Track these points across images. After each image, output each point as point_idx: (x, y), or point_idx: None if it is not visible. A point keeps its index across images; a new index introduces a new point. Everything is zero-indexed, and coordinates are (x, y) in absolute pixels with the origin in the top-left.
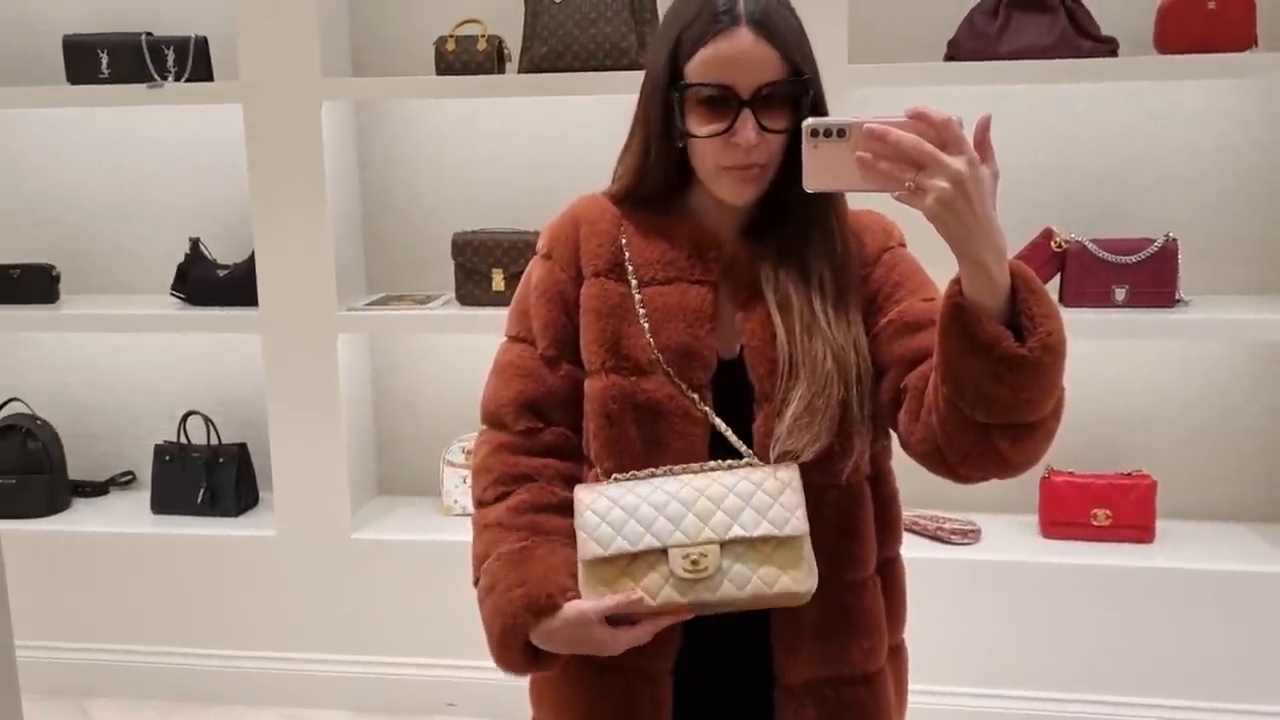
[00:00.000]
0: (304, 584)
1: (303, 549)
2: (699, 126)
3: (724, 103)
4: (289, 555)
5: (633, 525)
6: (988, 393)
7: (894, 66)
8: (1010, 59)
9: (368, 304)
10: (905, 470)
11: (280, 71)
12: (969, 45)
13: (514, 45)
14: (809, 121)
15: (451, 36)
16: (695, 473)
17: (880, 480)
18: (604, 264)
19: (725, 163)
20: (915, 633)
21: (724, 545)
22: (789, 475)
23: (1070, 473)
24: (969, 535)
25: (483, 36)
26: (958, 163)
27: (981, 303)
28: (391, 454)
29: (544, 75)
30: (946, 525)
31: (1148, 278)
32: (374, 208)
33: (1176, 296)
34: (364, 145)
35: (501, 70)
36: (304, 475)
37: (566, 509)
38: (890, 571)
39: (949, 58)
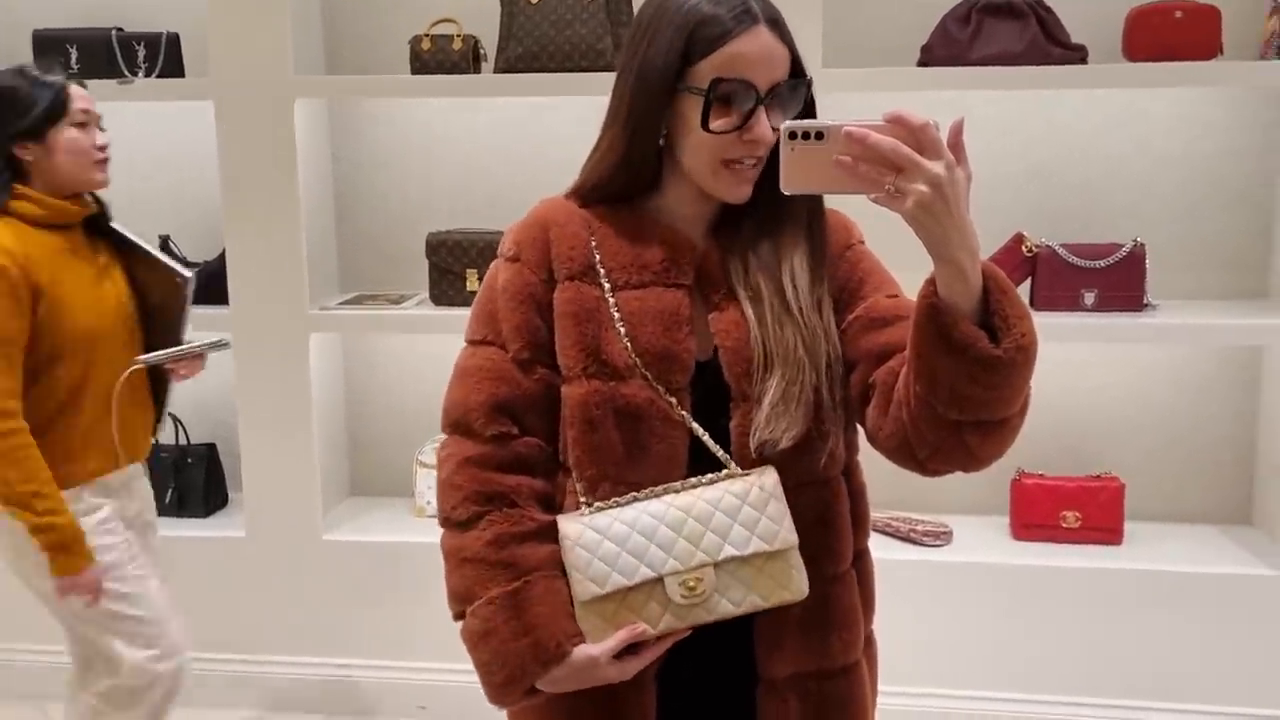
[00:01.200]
0: (274, 586)
1: (273, 550)
2: (714, 122)
3: (743, 99)
4: (259, 556)
5: (625, 558)
6: (961, 391)
7: (868, 71)
8: (982, 65)
9: (340, 303)
10: (879, 473)
11: (252, 68)
12: (942, 51)
13: (490, 45)
14: (788, 124)
15: (427, 35)
16: (677, 491)
17: (851, 474)
18: (577, 267)
19: (732, 156)
20: (887, 634)
21: (717, 566)
22: (770, 483)
23: (1040, 475)
24: (941, 537)
25: (458, 36)
26: (936, 166)
27: (956, 303)
28: (364, 454)
29: (519, 75)
30: (919, 527)
31: (1116, 282)
32: (347, 206)
33: (1145, 301)
34: (338, 143)
35: (477, 70)
36: (274, 476)
37: (546, 534)
38: (861, 564)
39: (922, 63)
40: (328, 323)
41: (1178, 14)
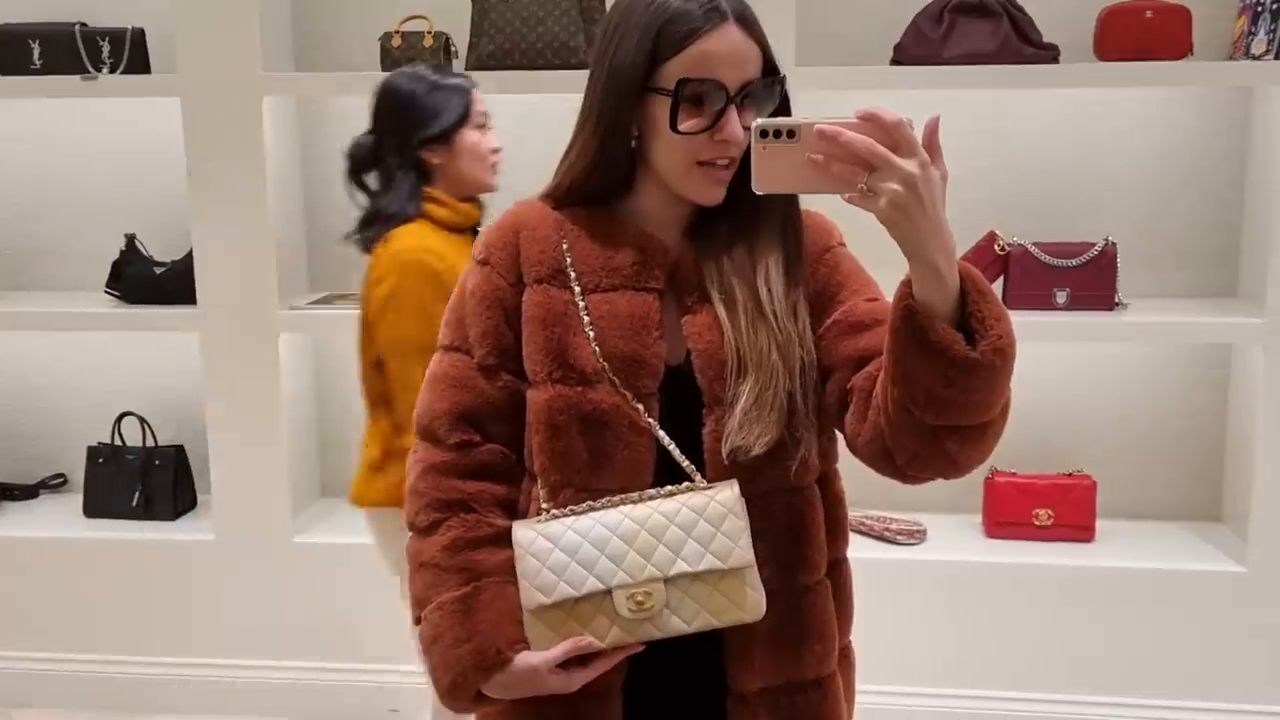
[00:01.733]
0: (244, 589)
1: (242, 553)
2: (683, 122)
3: (712, 99)
4: (228, 560)
5: (575, 568)
6: (938, 395)
7: (841, 70)
8: (954, 64)
9: (310, 303)
10: (852, 471)
11: (220, 65)
12: (914, 50)
13: (461, 42)
14: (759, 122)
15: (397, 32)
16: (635, 503)
17: (828, 482)
18: (546, 270)
19: (704, 157)
20: (862, 633)
21: (668, 581)
22: (730, 499)
23: (1013, 474)
24: (915, 535)
25: (429, 33)
26: (910, 165)
27: (932, 305)
28: (334, 456)
29: (491, 73)
30: (893, 526)
31: (1088, 281)
32: (317, 205)
33: (1116, 300)
34: (307, 141)
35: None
36: (243, 478)
37: (504, 539)
38: (838, 573)
39: (895, 62)
40: (298, 323)
41: (1148, 13)
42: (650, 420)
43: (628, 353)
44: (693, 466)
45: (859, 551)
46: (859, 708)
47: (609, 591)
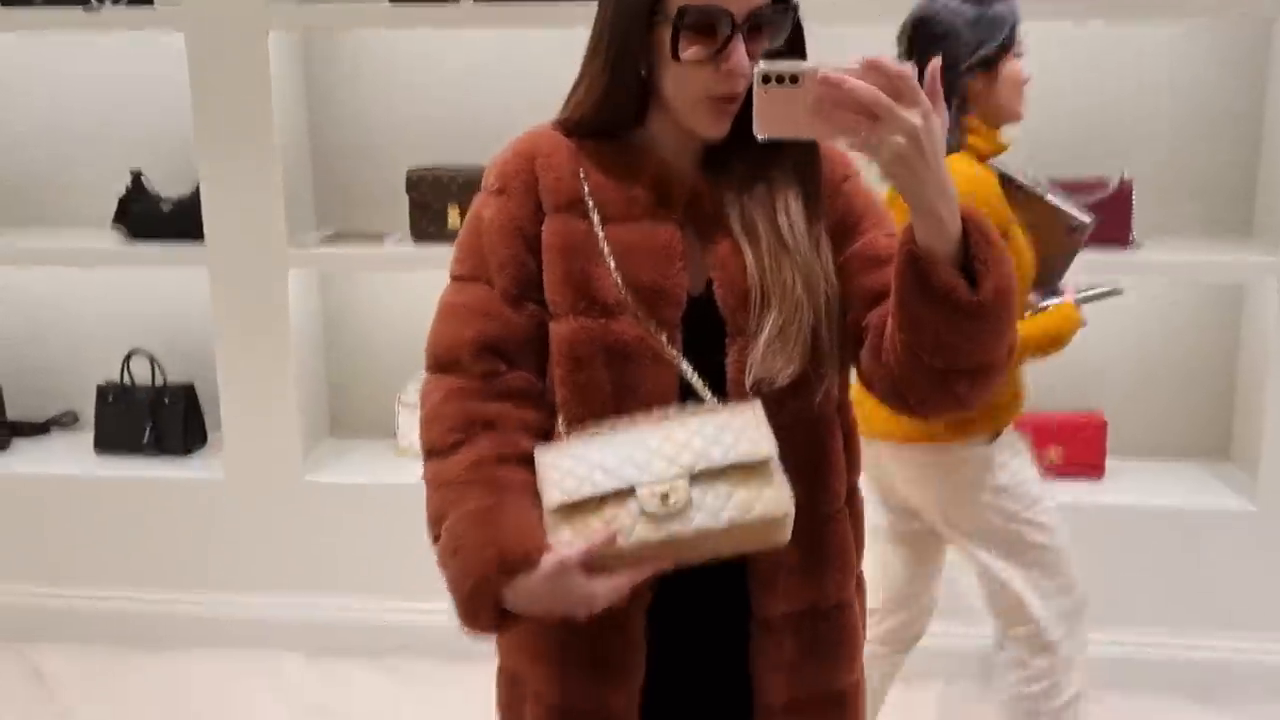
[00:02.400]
0: (255, 527)
1: (253, 492)
2: (685, 50)
3: (718, 27)
4: (239, 498)
5: (599, 471)
6: (944, 340)
7: (857, 0)
8: None
9: (318, 240)
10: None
11: None
12: None
13: None
14: (761, 66)
15: None
16: (660, 420)
17: (844, 412)
18: (564, 200)
19: (712, 91)
20: (868, 571)
21: (693, 479)
22: (752, 411)
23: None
24: None
25: None
26: (913, 116)
27: (934, 250)
28: (344, 394)
29: (501, 5)
30: None
31: (1104, 217)
32: (323, 141)
33: (1131, 237)
34: (313, 75)
35: (457, 0)
36: (254, 416)
37: (529, 461)
38: (854, 501)
39: None
40: (308, 260)
41: None
42: (674, 351)
43: (650, 283)
44: (714, 397)
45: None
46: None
47: (633, 490)
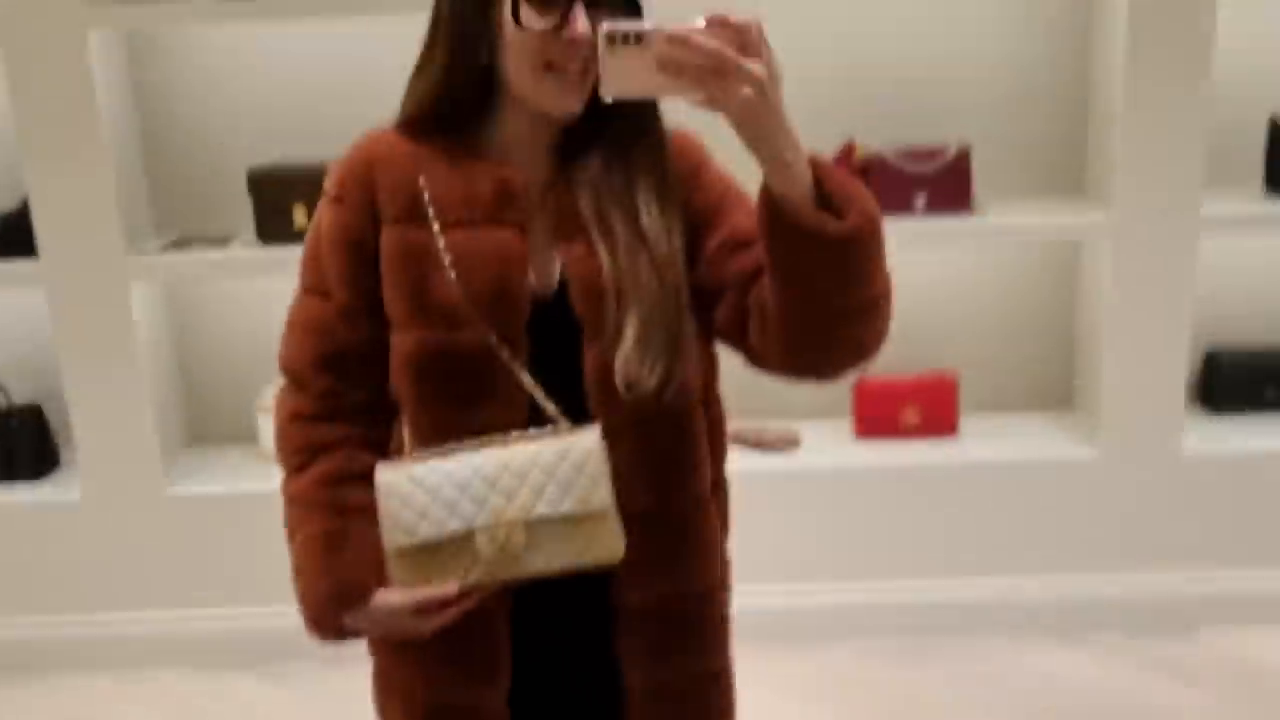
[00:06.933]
0: (119, 546)
1: (113, 510)
2: (525, 14)
3: None
4: (99, 517)
5: (437, 509)
6: (828, 280)
7: None
8: None
9: (160, 247)
10: (726, 383)
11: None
12: None
13: None
14: (605, 27)
15: None
16: (499, 445)
17: (710, 404)
18: (402, 208)
19: (551, 56)
20: (743, 539)
21: (529, 523)
22: (593, 442)
23: (881, 374)
24: (790, 444)
25: None
26: (758, 68)
27: (792, 198)
28: (200, 402)
29: None
30: (768, 435)
31: (945, 184)
32: (158, 144)
33: (971, 202)
34: (142, 75)
35: None
36: (107, 433)
37: (372, 478)
38: (719, 492)
39: None
40: (148, 270)
41: None
42: (516, 363)
43: (491, 292)
44: (557, 410)
45: (733, 464)
46: (743, 607)
47: (471, 532)
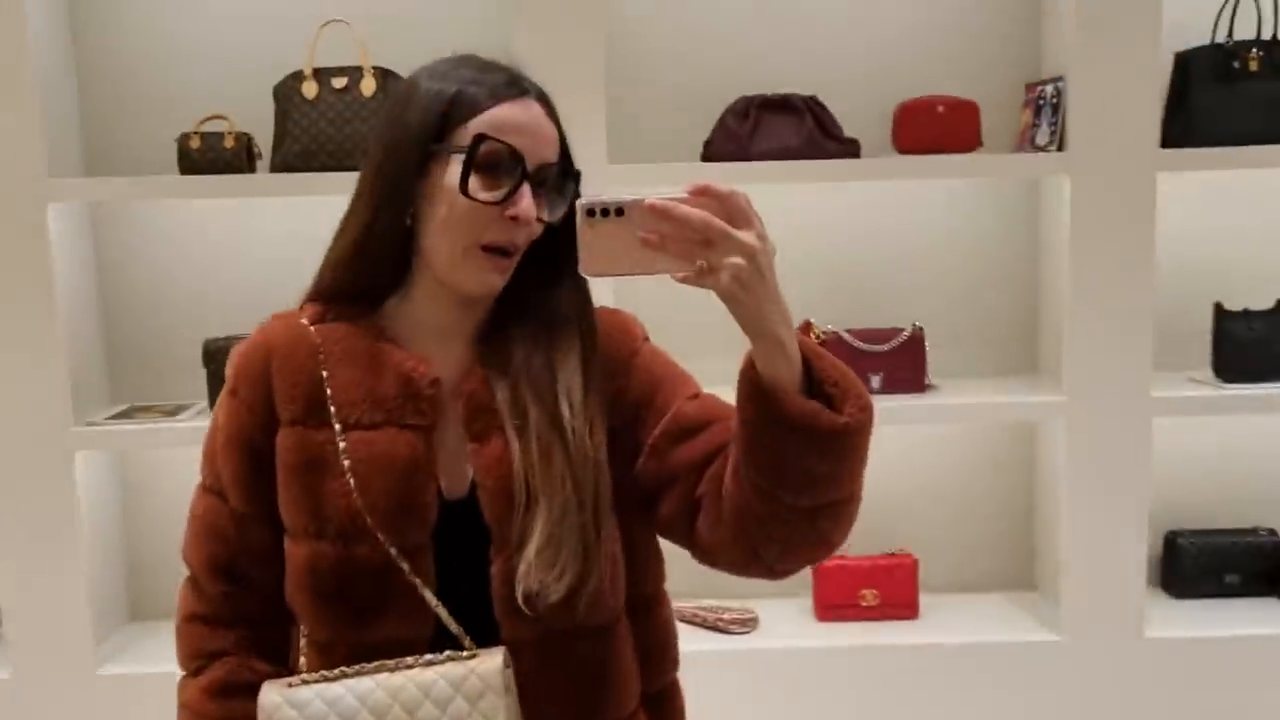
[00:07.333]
0: None
1: (43, 689)
2: (473, 184)
3: (508, 170)
4: (28, 696)
5: None
6: (811, 472)
7: (653, 166)
8: (762, 159)
9: (111, 416)
10: (683, 560)
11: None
12: (723, 146)
13: (264, 143)
14: (585, 199)
15: (196, 133)
16: (391, 671)
17: (650, 609)
18: (301, 408)
19: (489, 238)
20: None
21: None
22: (491, 673)
23: (839, 556)
24: (747, 624)
25: (230, 133)
26: (749, 237)
27: (780, 380)
28: (145, 577)
29: (298, 175)
30: (725, 615)
31: (899, 365)
32: (116, 314)
33: (926, 382)
34: (102, 246)
35: (252, 168)
36: (40, 607)
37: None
38: (666, 702)
39: (705, 158)
40: (94, 440)
41: (940, 108)
42: (416, 579)
43: (393, 503)
44: (461, 629)
45: (693, 644)
46: None
47: None
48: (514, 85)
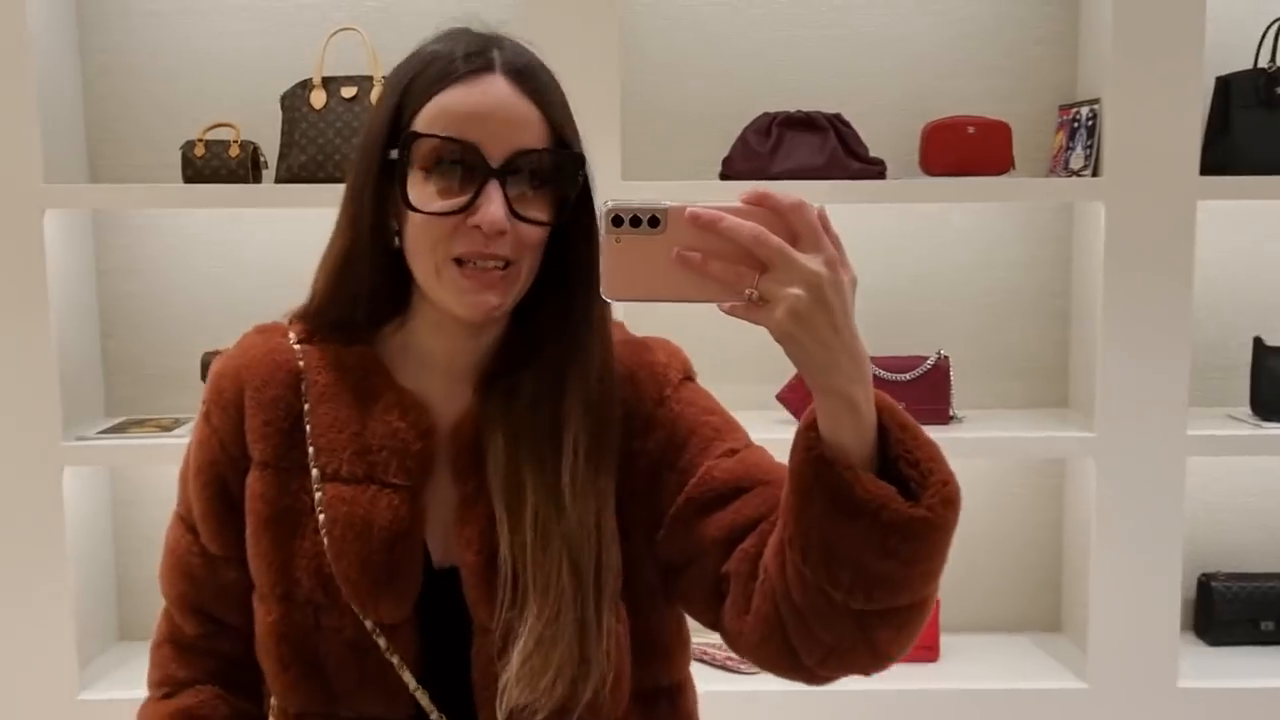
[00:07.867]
0: None
1: (21, 716)
2: (427, 200)
3: (465, 168)
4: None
5: None
6: (872, 570)
7: (669, 184)
8: (783, 178)
9: (104, 430)
10: None
11: None
12: (743, 164)
13: (270, 152)
14: (610, 205)
15: (200, 141)
16: None
17: (675, 699)
18: (274, 448)
19: (456, 252)
20: None
21: None
22: None
23: None
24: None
25: (235, 142)
26: (814, 263)
27: (846, 450)
28: (136, 596)
29: (304, 185)
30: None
31: (923, 395)
32: (114, 324)
33: (950, 413)
34: (103, 255)
35: (258, 178)
36: (22, 626)
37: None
38: None
39: (724, 176)
40: (83, 455)
41: (970, 129)
42: (394, 658)
43: (367, 577)
44: (443, 717)
45: (703, 684)
46: None
47: None
48: (472, 59)
